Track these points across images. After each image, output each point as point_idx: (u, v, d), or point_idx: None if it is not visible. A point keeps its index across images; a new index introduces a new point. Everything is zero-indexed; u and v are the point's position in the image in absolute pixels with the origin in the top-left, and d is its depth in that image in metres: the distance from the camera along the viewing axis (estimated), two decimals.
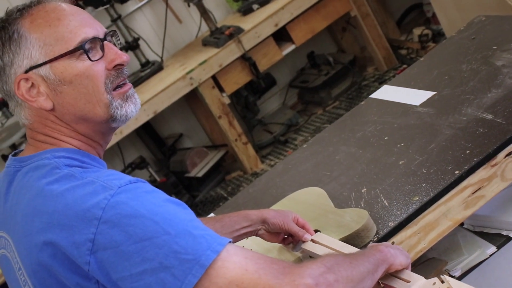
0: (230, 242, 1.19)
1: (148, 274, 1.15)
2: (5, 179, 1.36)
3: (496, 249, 1.80)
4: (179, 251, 1.14)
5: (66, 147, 1.33)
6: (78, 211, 1.19)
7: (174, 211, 1.20)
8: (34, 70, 1.30)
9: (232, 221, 1.62)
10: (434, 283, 1.34)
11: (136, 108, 1.38)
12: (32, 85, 1.31)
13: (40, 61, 1.30)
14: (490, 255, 1.79)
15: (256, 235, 1.65)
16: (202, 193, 4.47)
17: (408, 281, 1.38)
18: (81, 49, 1.30)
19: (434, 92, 2.07)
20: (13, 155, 1.39)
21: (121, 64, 1.35)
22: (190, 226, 1.18)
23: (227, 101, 4.29)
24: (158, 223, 1.16)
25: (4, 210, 1.35)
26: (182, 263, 1.14)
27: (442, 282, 1.34)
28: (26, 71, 1.30)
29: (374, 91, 2.36)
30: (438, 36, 4.42)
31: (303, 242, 1.63)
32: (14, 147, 3.97)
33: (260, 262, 1.17)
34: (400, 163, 1.82)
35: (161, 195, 1.22)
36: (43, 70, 1.30)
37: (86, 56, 1.30)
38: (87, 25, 1.33)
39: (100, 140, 1.38)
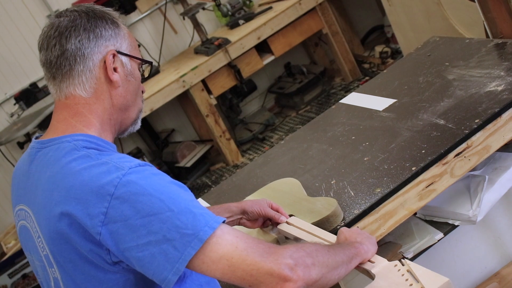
0: (224, 221, 1.18)
1: (152, 245, 1.14)
2: (28, 159, 1.35)
3: (443, 235, 1.81)
4: (180, 226, 1.14)
5: (84, 133, 1.31)
6: (93, 187, 1.18)
7: (177, 191, 1.19)
8: (120, 55, 1.35)
9: (215, 212, 1.58)
10: (396, 265, 1.34)
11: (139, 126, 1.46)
12: (114, 62, 1.34)
13: (127, 52, 1.36)
14: (438, 240, 1.81)
15: (239, 224, 1.64)
16: (189, 181, 4.45)
17: (373, 262, 1.38)
18: (147, 63, 1.42)
19: (395, 100, 2.07)
20: (35, 138, 1.37)
21: (143, 92, 1.44)
22: (191, 205, 1.17)
23: (214, 102, 4.28)
24: (163, 201, 1.15)
25: (25, 186, 1.33)
26: (182, 237, 1.14)
27: (403, 264, 1.34)
28: (116, 51, 1.35)
29: (341, 98, 2.34)
30: (396, 53, 4.45)
31: (279, 224, 1.63)
32: (28, 135, 3.92)
33: (249, 242, 1.17)
34: (365, 159, 1.82)
35: (166, 177, 1.21)
36: (125, 59, 1.35)
37: (142, 70, 1.41)
38: None
39: (115, 131, 1.38)
